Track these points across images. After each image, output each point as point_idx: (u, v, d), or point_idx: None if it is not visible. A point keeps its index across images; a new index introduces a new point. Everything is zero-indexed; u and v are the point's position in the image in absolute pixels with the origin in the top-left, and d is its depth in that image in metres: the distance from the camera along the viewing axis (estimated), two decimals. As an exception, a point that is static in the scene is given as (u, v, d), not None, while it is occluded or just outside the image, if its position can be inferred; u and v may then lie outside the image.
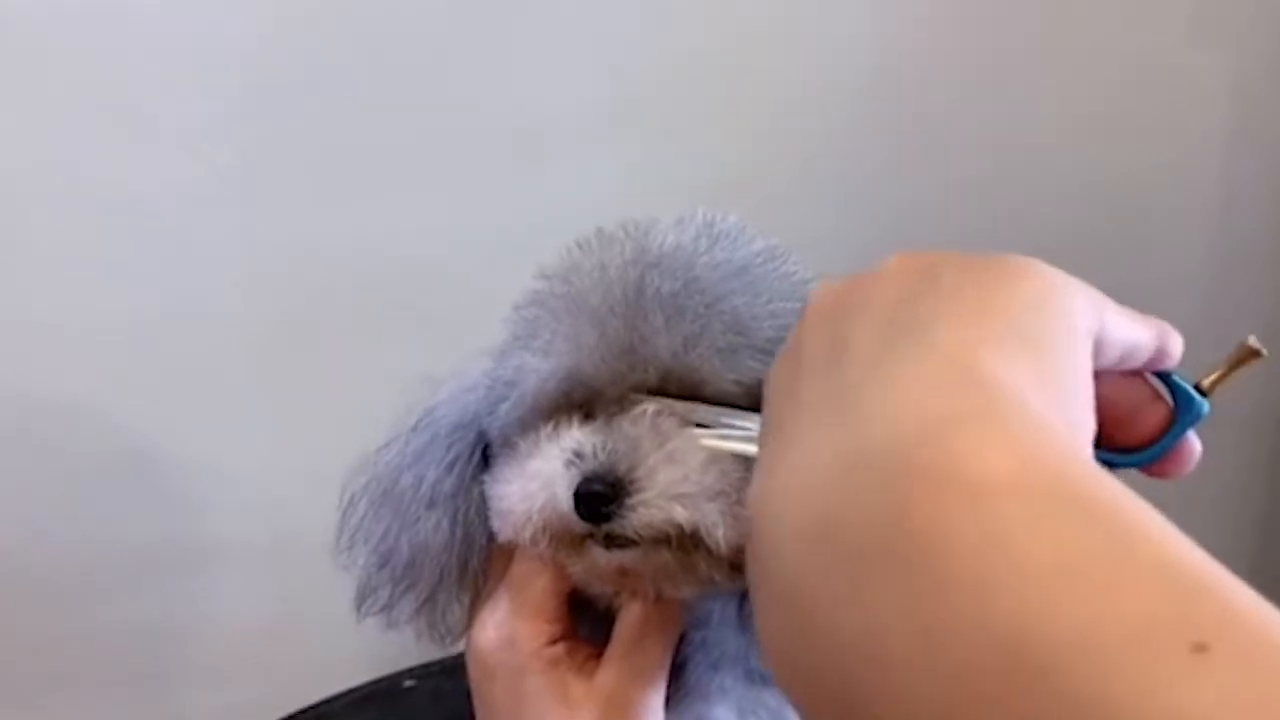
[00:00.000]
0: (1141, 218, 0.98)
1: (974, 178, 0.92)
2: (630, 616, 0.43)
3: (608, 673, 0.42)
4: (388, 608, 0.46)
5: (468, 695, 0.74)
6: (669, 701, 0.44)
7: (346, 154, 0.77)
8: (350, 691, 0.76)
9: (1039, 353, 0.24)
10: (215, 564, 0.83)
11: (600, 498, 0.37)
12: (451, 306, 0.80)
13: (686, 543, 0.38)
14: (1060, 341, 0.25)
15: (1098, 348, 0.27)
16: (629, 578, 0.41)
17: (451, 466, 0.44)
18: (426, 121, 0.78)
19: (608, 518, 0.38)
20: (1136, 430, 0.30)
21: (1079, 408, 0.25)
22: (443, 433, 0.44)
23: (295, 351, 0.80)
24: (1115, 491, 0.21)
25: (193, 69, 0.72)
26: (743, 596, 0.45)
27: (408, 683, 0.77)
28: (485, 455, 0.45)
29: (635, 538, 0.38)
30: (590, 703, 0.42)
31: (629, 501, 0.37)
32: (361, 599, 0.46)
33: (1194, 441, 0.30)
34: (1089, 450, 0.26)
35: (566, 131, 0.82)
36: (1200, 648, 0.18)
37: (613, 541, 0.39)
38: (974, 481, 0.21)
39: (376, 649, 0.84)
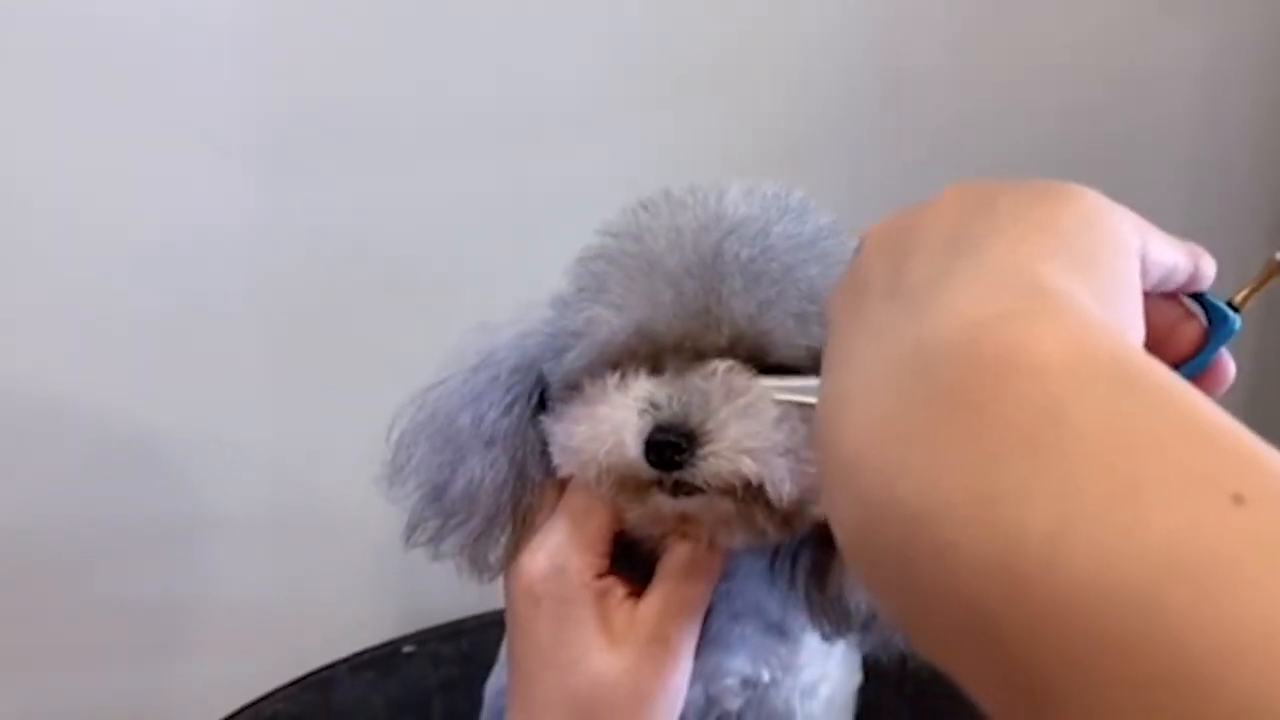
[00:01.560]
0: (1120, 178, 1.00)
1: (954, 155, 0.94)
2: (678, 556, 0.45)
3: (650, 607, 0.45)
4: (435, 540, 0.47)
5: (465, 660, 0.76)
6: None
7: (350, 138, 0.78)
8: (351, 658, 0.77)
9: (1092, 266, 0.26)
10: (217, 538, 0.83)
11: (673, 447, 0.39)
12: (452, 287, 0.81)
13: (749, 494, 0.41)
14: (1111, 257, 0.27)
15: (1141, 269, 0.29)
16: (688, 524, 0.43)
17: (511, 407, 0.46)
18: (430, 105, 0.79)
19: (679, 466, 0.40)
20: (1173, 348, 0.32)
21: (1130, 315, 0.28)
22: (503, 374, 0.46)
23: (296, 329, 0.81)
24: (1160, 371, 0.23)
25: (197, 56, 0.73)
26: (774, 552, 0.48)
27: (407, 648, 0.78)
28: (542, 398, 0.47)
29: (703, 487, 0.40)
30: (632, 634, 0.44)
31: (700, 452, 0.39)
32: (411, 530, 0.48)
33: (1228, 359, 0.33)
34: (1140, 346, 0.28)
35: (570, 109, 0.83)
36: (1238, 498, 0.19)
37: (679, 489, 0.41)
38: (1032, 363, 0.22)
39: (376, 616, 0.86)
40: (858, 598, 0.45)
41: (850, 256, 0.42)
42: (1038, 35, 0.95)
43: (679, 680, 0.45)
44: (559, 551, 0.45)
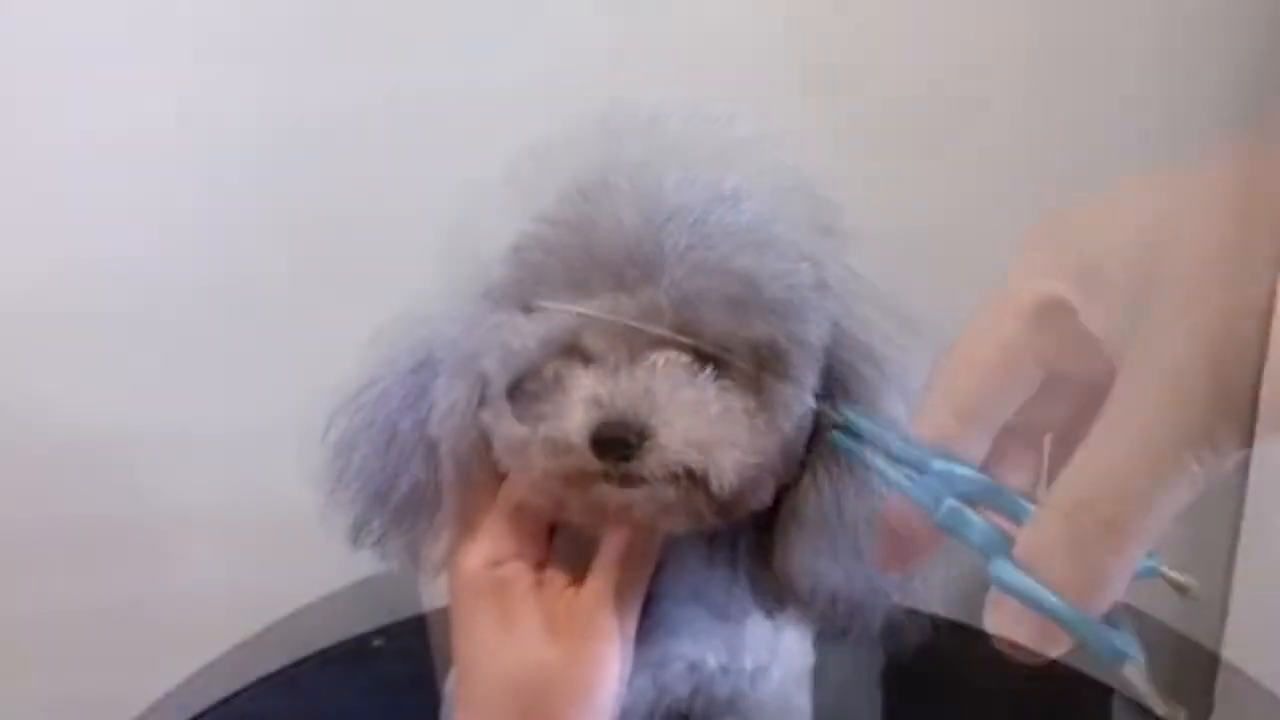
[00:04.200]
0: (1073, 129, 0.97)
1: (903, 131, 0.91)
2: (615, 543, 0.45)
3: (589, 595, 0.45)
4: (381, 542, 0.48)
5: (435, 653, 0.77)
6: (636, 635, 0.47)
7: (290, 113, 0.77)
8: (320, 653, 0.78)
9: None
10: (180, 534, 0.84)
11: (620, 442, 0.40)
12: (397, 267, 0.80)
13: (692, 482, 0.41)
14: None
15: None
16: (628, 512, 0.43)
17: (452, 408, 0.47)
18: (370, 86, 0.78)
19: (627, 459, 0.40)
20: None
21: None
22: (443, 374, 0.46)
23: (241, 316, 0.80)
24: None
25: (134, 22, 0.73)
26: (711, 537, 0.49)
27: (376, 642, 0.78)
28: (482, 394, 0.47)
29: (648, 478, 0.41)
30: (572, 623, 0.45)
31: (647, 445, 0.40)
32: (355, 532, 0.48)
33: None
34: None
35: (513, 95, 0.80)
36: None
37: (626, 481, 0.41)
38: None
39: (345, 610, 0.86)
40: (799, 573, 0.45)
41: (784, 243, 0.42)
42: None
43: (620, 667, 0.46)
44: (497, 545, 0.45)
